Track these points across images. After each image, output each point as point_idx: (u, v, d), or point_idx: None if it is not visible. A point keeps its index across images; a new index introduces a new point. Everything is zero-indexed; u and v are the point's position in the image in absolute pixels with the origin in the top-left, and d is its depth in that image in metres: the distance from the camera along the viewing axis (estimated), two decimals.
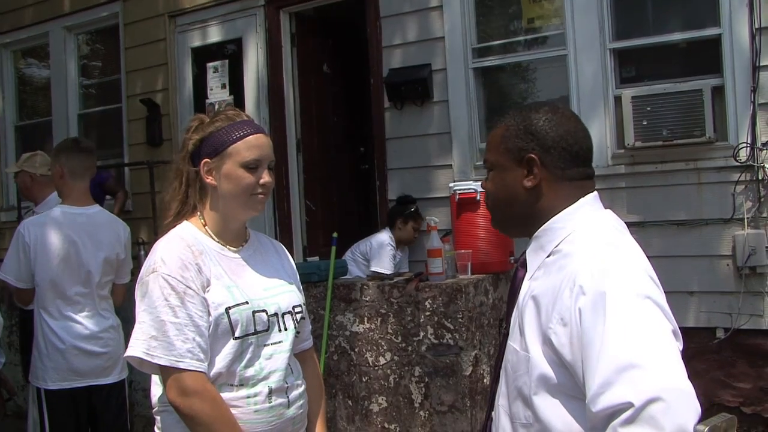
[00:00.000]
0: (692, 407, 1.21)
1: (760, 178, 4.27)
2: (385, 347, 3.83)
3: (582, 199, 1.50)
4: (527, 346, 1.41)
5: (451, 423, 3.63)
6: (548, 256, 1.48)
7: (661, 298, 1.33)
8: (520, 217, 1.53)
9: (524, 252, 1.56)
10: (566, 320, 1.33)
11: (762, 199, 4.27)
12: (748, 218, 4.29)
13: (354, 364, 3.93)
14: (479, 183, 3.95)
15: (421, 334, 3.72)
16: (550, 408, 1.37)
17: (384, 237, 5.11)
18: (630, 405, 1.19)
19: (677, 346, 1.29)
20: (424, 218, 5.26)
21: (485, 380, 3.73)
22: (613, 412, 1.21)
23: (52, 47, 7.33)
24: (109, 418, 3.46)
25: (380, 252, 5.05)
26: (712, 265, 4.38)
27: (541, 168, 1.48)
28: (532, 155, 1.48)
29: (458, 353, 3.62)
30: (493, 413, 1.56)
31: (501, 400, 1.50)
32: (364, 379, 3.90)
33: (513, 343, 1.47)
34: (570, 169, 1.50)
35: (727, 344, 4.31)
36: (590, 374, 1.26)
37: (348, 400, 3.95)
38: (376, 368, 3.86)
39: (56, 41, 7.27)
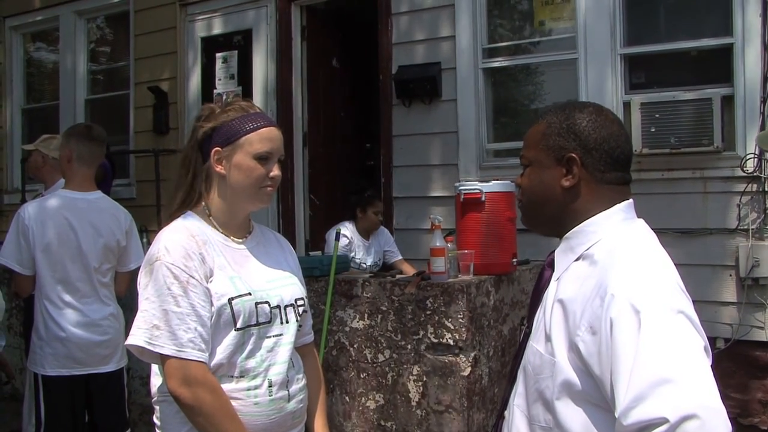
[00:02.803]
0: (726, 426, 1.19)
1: (766, 189, 4.26)
2: (384, 344, 3.83)
3: (617, 206, 1.47)
4: (553, 350, 1.39)
5: (448, 423, 3.63)
6: (577, 259, 1.46)
7: (693, 313, 1.31)
8: (553, 216, 1.51)
9: (552, 252, 1.55)
10: (596, 329, 1.31)
11: (767, 211, 4.26)
12: (752, 229, 4.28)
13: (352, 360, 3.93)
14: (485, 183, 3.94)
15: (421, 332, 3.71)
16: (572, 414, 1.36)
17: (332, 231, 5.07)
18: (665, 420, 1.18)
19: (709, 362, 1.28)
20: (380, 199, 5.26)
21: (483, 381, 3.72)
22: (645, 427, 1.20)
23: (62, 31, 7.33)
24: (106, 405, 3.45)
25: (328, 245, 5.04)
26: (714, 275, 4.37)
27: (580, 168, 1.46)
28: (573, 155, 1.46)
29: (457, 353, 3.61)
30: (506, 412, 1.55)
31: (518, 400, 1.49)
32: (362, 376, 3.90)
33: (536, 344, 1.45)
34: (609, 173, 1.48)
35: (727, 355, 4.30)
36: (622, 387, 1.24)
37: (345, 396, 3.94)
38: (375, 365, 3.85)
39: (66, 25, 7.27)
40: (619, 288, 1.31)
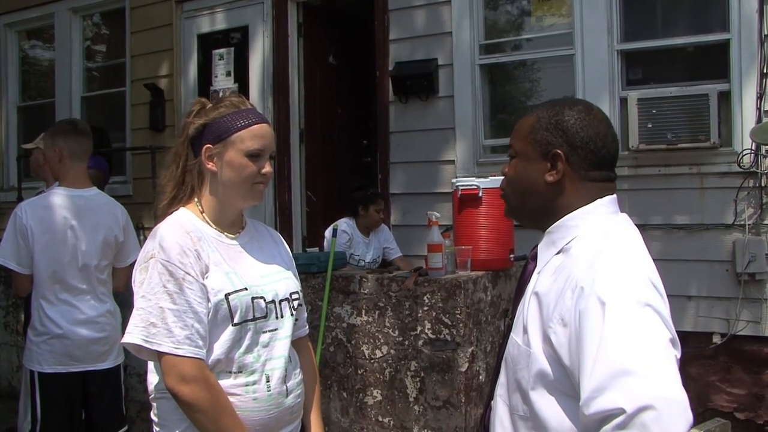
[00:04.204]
0: (684, 417, 1.20)
1: (762, 185, 4.27)
2: (381, 340, 3.83)
3: (599, 200, 1.50)
4: (529, 341, 1.42)
5: (445, 418, 3.63)
6: (558, 253, 1.48)
7: (663, 306, 1.33)
8: (535, 209, 1.54)
9: (536, 246, 1.57)
10: (566, 321, 1.35)
11: (764, 206, 4.27)
12: (749, 225, 4.29)
13: (350, 357, 3.93)
14: (482, 179, 3.94)
15: (419, 328, 3.71)
16: (546, 404, 1.39)
17: (331, 227, 5.07)
18: (622, 411, 1.19)
19: (675, 354, 1.29)
20: (383, 198, 5.27)
21: (481, 377, 3.73)
22: (605, 417, 1.22)
23: (57, 28, 7.31)
24: (103, 403, 3.43)
25: (328, 242, 5.02)
26: (711, 270, 4.38)
27: (565, 164, 1.49)
28: (558, 151, 1.48)
29: (455, 349, 3.61)
30: (492, 402, 1.58)
31: (500, 390, 1.53)
32: (359, 372, 3.90)
33: (515, 336, 1.49)
34: (593, 171, 1.50)
35: (724, 350, 4.32)
36: (585, 377, 1.27)
37: (343, 392, 3.95)
38: (372, 361, 3.86)
39: (62, 22, 7.25)
40: (588, 281, 1.34)
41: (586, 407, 1.25)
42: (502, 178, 1.61)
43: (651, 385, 1.21)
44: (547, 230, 1.52)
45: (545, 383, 1.39)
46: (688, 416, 1.21)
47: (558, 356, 1.35)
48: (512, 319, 1.56)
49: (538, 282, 1.48)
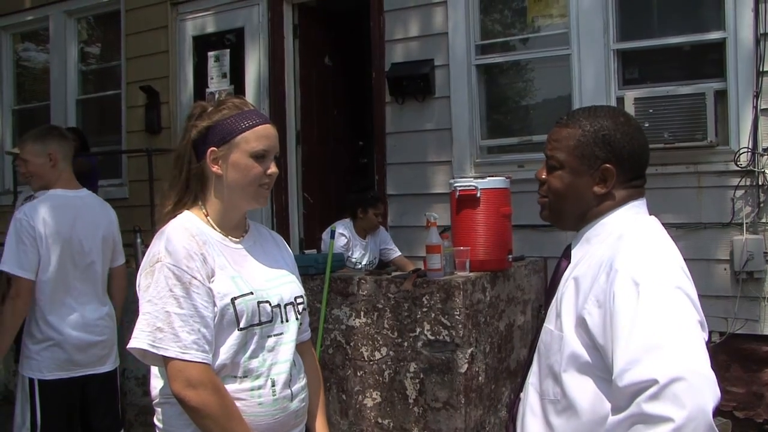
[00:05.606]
0: (713, 390, 1.27)
1: (760, 183, 4.27)
2: (380, 342, 3.82)
3: (632, 202, 1.59)
4: (561, 326, 1.51)
5: (445, 420, 3.63)
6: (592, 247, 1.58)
7: (692, 291, 1.42)
8: (578, 214, 1.62)
9: (568, 245, 1.66)
10: (601, 302, 1.43)
11: (761, 205, 4.28)
12: (747, 223, 4.29)
13: (349, 358, 3.92)
14: (480, 180, 3.93)
15: (418, 330, 3.70)
16: (578, 385, 1.46)
17: (329, 231, 5.03)
18: (655, 382, 1.26)
19: (703, 335, 1.37)
20: (383, 202, 5.26)
21: (480, 378, 3.72)
22: (639, 389, 1.28)
23: (52, 31, 7.29)
24: (102, 407, 3.41)
25: (325, 244, 5.00)
26: (709, 269, 4.39)
27: (613, 178, 1.57)
28: (609, 166, 1.56)
29: (454, 350, 3.61)
30: (522, 393, 1.65)
31: (532, 379, 1.60)
32: (358, 374, 3.89)
33: (548, 324, 1.58)
34: (635, 180, 1.61)
35: (722, 348, 4.32)
36: (618, 352, 1.34)
37: (342, 394, 3.94)
38: (371, 363, 3.85)
39: (57, 25, 7.23)
40: (623, 264, 1.43)
41: (619, 379, 1.31)
42: (542, 184, 1.67)
43: (683, 359, 1.28)
44: (582, 230, 1.62)
45: (577, 365, 1.46)
46: (717, 391, 1.27)
47: (592, 337, 1.43)
48: (545, 313, 1.63)
49: (576, 269, 1.56)
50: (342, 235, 5.01)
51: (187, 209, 1.91)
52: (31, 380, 3.23)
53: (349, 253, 5.07)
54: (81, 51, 7.34)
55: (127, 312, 3.61)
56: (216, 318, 1.78)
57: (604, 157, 1.56)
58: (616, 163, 1.56)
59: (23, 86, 8.01)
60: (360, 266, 5.09)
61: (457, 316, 3.59)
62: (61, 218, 3.27)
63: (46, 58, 7.59)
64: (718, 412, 1.31)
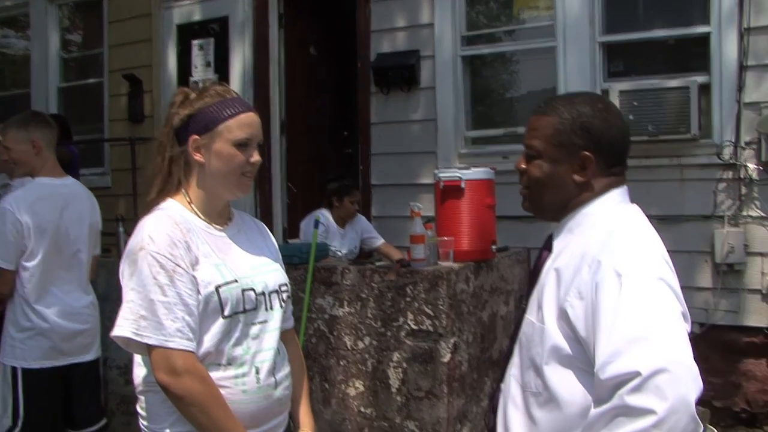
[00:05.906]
0: (695, 382, 1.27)
1: (742, 176, 4.31)
2: (364, 331, 3.82)
3: (613, 191, 1.57)
4: (543, 318, 1.49)
5: (428, 409, 3.64)
6: (574, 237, 1.56)
7: (675, 282, 1.41)
8: (560, 204, 1.59)
9: (550, 235, 1.63)
10: (583, 294, 1.41)
11: (743, 198, 4.32)
12: (728, 216, 4.33)
13: (332, 348, 3.92)
14: (464, 171, 3.93)
15: (401, 319, 3.71)
16: (558, 378, 1.45)
17: (308, 220, 5.03)
18: (637, 374, 1.25)
19: (685, 327, 1.37)
20: (357, 189, 5.24)
21: (463, 367, 3.73)
22: (621, 381, 1.27)
23: (32, 18, 7.20)
24: (85, 395, 3.40)
25: (304, 234, 5.01)
26: (691, 261, 4.42)
27: (593, 166, 1.54)
28: (588, 154, 1.54)
29: (437, 340, 3.61)
30: (502, 384, 1.63)
31: (513, 370, 1.58)
32: (341, 363, 3.89)
33: (530, 316, 1.56)
34: (614, 168, 1.58)
35: (702, 339, 4.35)
36: (600, 344, 1.33)
37: (325, 383, 3.94)
38: (354, 352, 3.85)
39: (37, 12, 7.14)
40: (605, 255, 1.41)
41: (602, 372, 1.30)
42: (522, 174, 1.64)
43: (666, 350, 1.27)
44: (564, 220, 1.59)
45: (558, 358, 1.45)
46: (699, 383, 1.27)
47: (574, 329, 1.41)
48: (526, 304, 1.61)
49: (557, 260, 1.54)
50: (322, 224, 4.99)
51: (171, 197, 1.90)
52: (14, 369, 3.19)
53: (328, 243, 5.04)
54: (62, 38, 7.26)
55: (108, 301, 3.58)
56: (200, 306, 1.77)
57: (583, 144, 1.53)
58: (595, 151, 1.53)
59: (2, 73, 7.92)
60: (339, 255, 5.07)
61: (440, 306, 3.60)
62: (48, 207, 3.24)
63: (26, 45, 7.50)
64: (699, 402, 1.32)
